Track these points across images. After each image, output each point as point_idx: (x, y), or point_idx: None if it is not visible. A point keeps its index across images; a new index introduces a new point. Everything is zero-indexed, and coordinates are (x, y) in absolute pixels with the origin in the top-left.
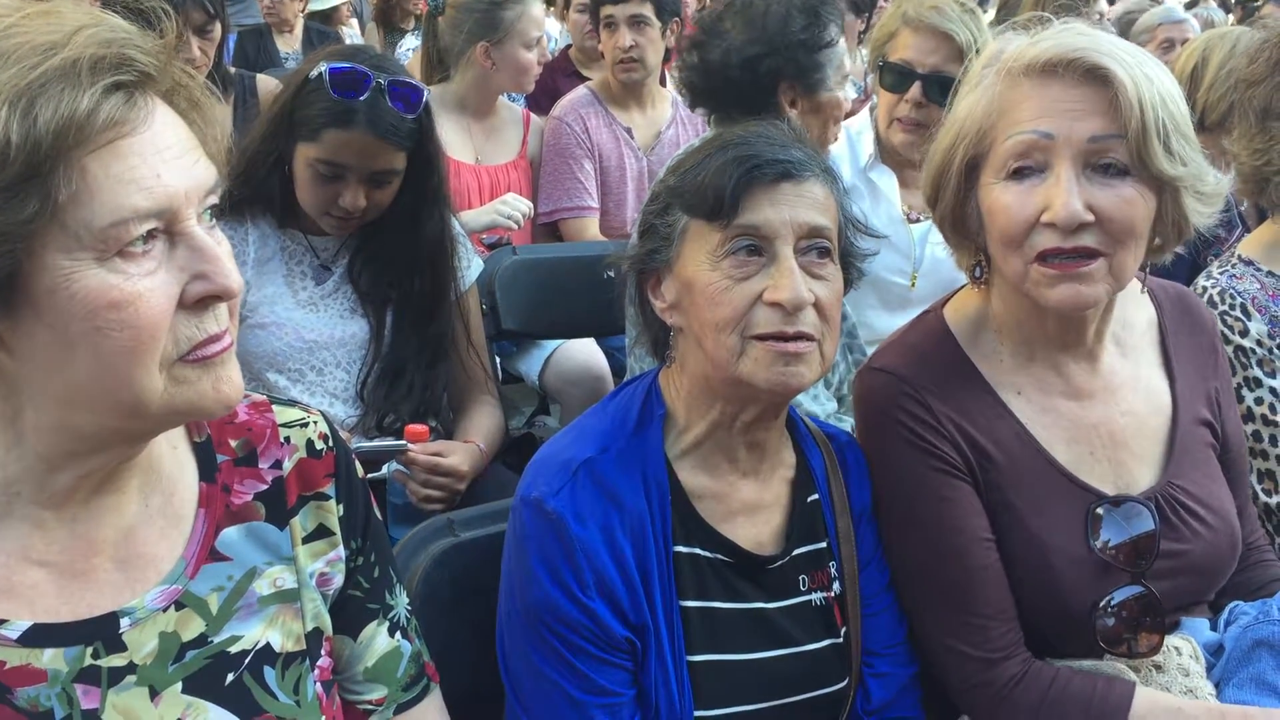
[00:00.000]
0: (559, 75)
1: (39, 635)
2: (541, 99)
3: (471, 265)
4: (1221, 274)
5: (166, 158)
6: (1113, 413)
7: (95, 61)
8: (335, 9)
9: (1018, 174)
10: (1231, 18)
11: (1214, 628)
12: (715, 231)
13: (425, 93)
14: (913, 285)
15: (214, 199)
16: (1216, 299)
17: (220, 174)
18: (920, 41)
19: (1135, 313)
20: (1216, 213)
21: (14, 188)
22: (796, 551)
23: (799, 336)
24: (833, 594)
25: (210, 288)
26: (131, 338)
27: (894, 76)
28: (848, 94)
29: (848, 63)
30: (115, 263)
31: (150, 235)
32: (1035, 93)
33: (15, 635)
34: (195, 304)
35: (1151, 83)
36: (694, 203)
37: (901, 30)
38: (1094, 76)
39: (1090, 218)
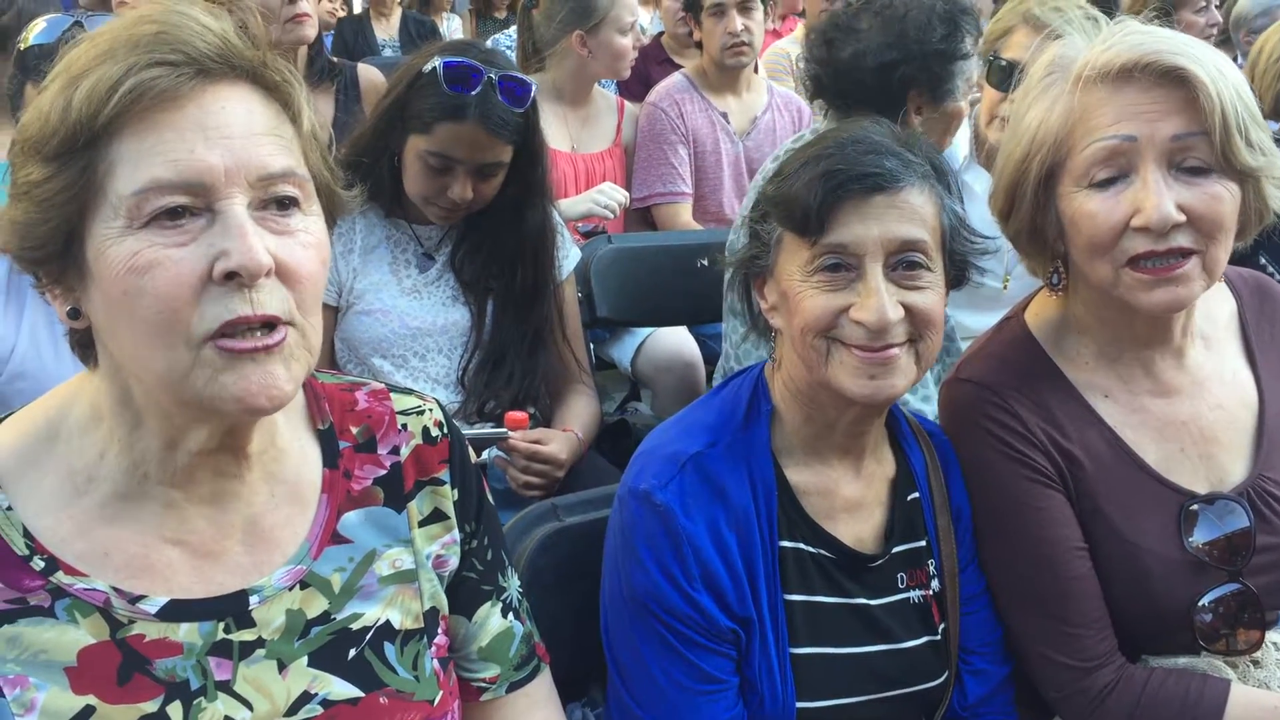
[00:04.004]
0: (652, 63)
1: (176, 611)
2: (635, 86)
3: (569, 255)
4: None
5: (212, 136)
6: (1201, 408)
7: (137, 41)
8: None
9: (1102, 180)
10: None
11: None
12: (805, 247)
13: (533, 87)
14: (1005, 287)
15: (283, 189)
16: None
17: (304, 169)
18: (1036, 42)
19: (1217, 306)
20: None
21: (58, 158)
22: (896, 550)
23: (887, 348)
24: (930, 592)
25: (227, 264)
26: (153, 304)
27: (1003, 74)
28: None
29: (975, 72)
30: (144, 232)
31: (187, 210)
32: (1111, 97)
33: (154, 610)
34: (225, 281)
35: (1225, 77)
36: (785, 216)
37: (1019, 28)
38: (1170, 77)
39: (1182, 218)
